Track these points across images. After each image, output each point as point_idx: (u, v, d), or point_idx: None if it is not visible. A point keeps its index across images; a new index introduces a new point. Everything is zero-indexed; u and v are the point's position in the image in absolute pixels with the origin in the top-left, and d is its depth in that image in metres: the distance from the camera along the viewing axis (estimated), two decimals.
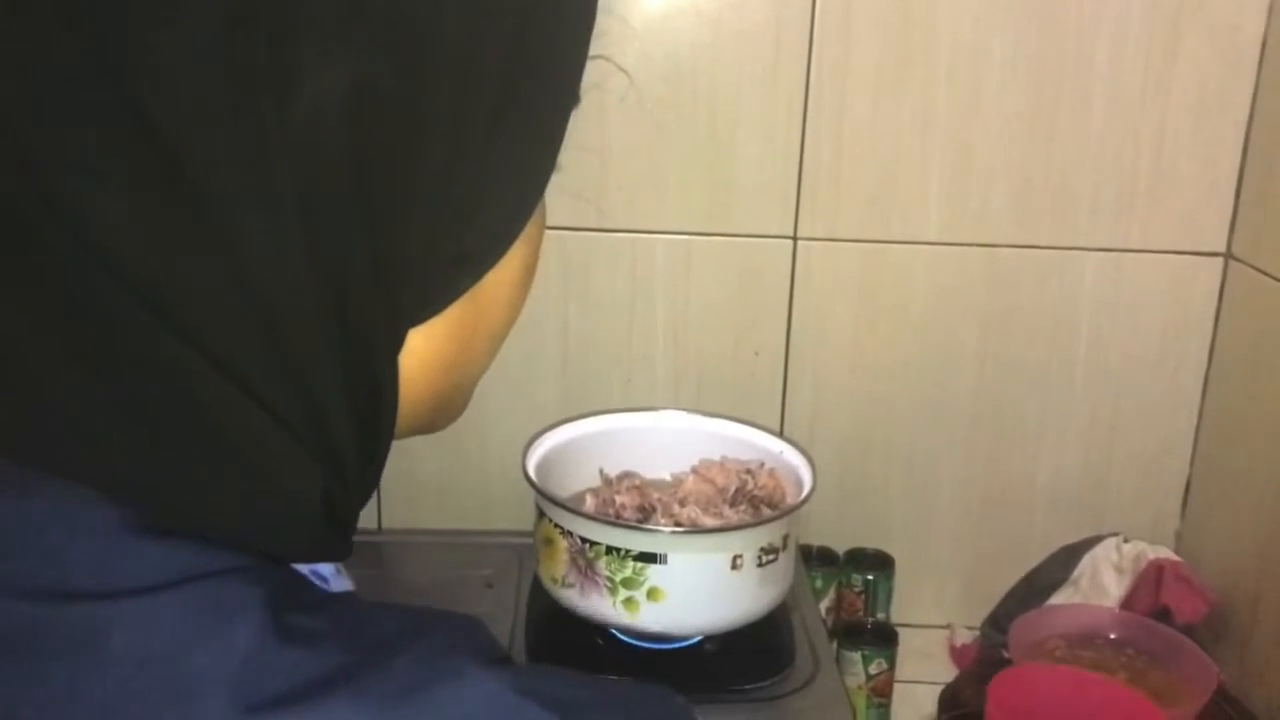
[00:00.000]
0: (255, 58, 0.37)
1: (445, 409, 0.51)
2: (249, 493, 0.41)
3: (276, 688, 0.36)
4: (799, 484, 1.10)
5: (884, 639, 1.24)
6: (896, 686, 1.25)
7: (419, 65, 0.40)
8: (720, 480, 1.13)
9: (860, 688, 1.22)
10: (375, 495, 1.32)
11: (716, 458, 1.17)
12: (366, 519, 1.32)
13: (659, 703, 0.44)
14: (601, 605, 1.01)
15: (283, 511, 0.42)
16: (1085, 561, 1.29)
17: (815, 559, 1.31)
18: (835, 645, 1.20)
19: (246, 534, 0.40)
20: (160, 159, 0.37)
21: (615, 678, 0.45)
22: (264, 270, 0.39)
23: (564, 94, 0.48)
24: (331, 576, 0.45)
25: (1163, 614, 1.21)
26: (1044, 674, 1.03)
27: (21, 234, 0.38)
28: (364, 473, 0.45)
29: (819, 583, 1.29)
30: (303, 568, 0.44)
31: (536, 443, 1.12)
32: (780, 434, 1.20)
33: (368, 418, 0.44)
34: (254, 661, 0.37)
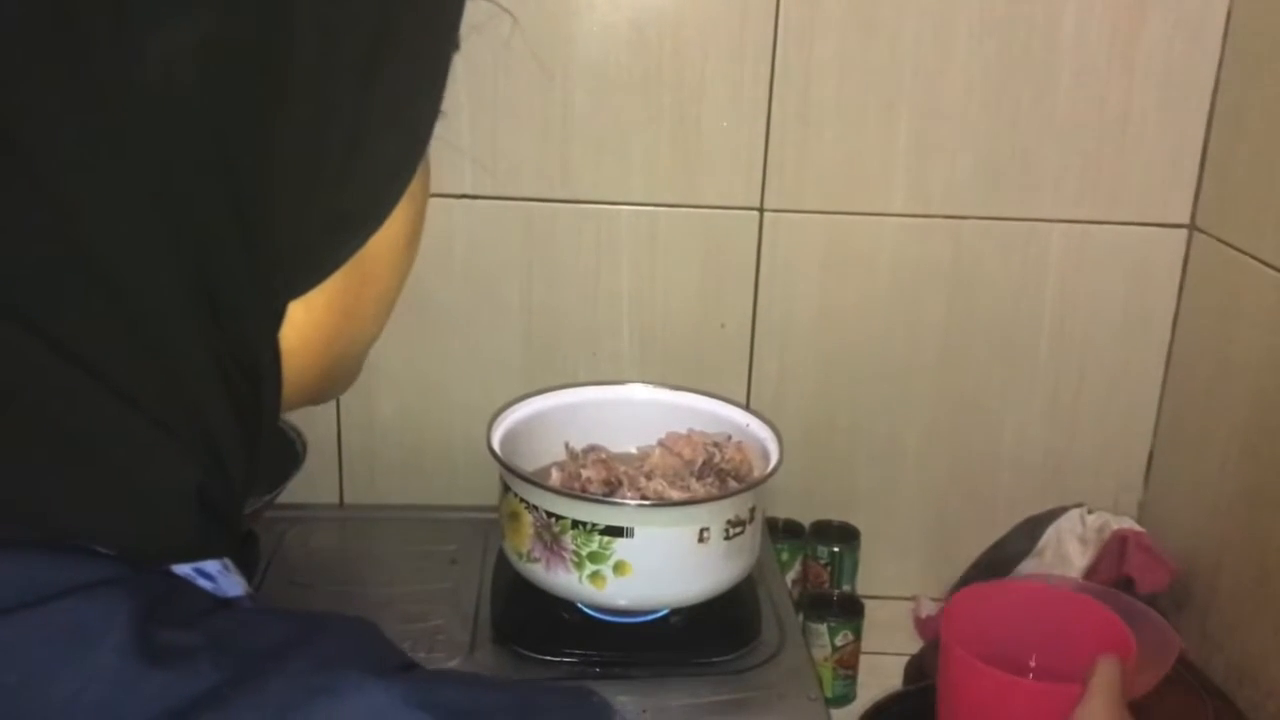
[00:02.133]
0: (94, 18, 0.35)
1: (332, 382, 0.48)
2: (111, 492, 0.38)
3: (141, 716, 0.34)
4: (765, 457, 1.10)
5: (850, 611, 1.24)
6: (863, 658, 1.25)
7: (278, 11, 0.37)
8: (687, 453, 1.12)
9: (826, 660, 1.22)
10: (337, 470, 1.31)
11: (683, 431, 1.17)
12: (328, 494, 1.31)
13: (571, 707, 0.41)
14: (568, 579, 1.00)
15: (152, 510, 0.39)
16: (1050, 532, 1.29)
17: (781, 531, 1.31)
18: (801, 618, 1.20)
19: (113, 537, 0.38)
20: None
21: (529, 681, 0.42)
22: (114, 245, 0.36)
23: (443, 38, 0.44)
24: (219, 574, 0.42)
25: (1126, 584, 1.22)
26: (1001, 589, 1.02)
27: None
28: (247, 459, 0.42)
29: (785, 555, 1.29)
30: (185, 568, 0.41)
31: (501, 417, 1.11)
32: (746, 407, 1.19)
33: (247, 401, 0.41)
34: (118, 688, 0.34)
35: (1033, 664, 0.94)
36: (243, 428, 0.41)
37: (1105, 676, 0.81)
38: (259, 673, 0.35)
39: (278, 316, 0.41)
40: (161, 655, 0.35)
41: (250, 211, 0.38)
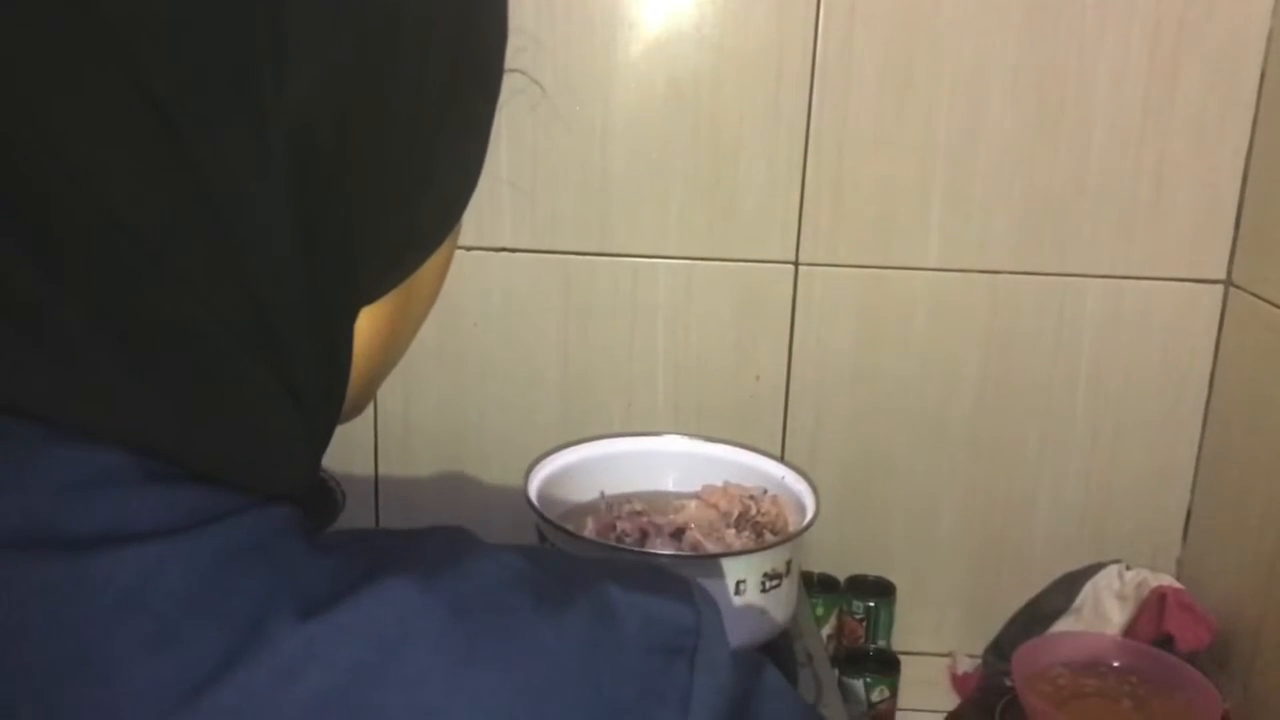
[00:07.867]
0: (253, 31, 0.40)
1: (363, 399, 0.53)
2: (247, 440, 0.43)
3: (329, 590, 0.40)
4: (801, 510, 1.09)
5: (886, 666, 1.23)
6: (898, 715, 1.24)
7: (385, 68, 0.44)
8: (723, 505, 1.12)
9: (863, 716, 1.21)
10: (374, 519, 1.32)
11: (719, 483, 1.17)
12: None
13: (673, 583, 0.47)
14: None
15: (278, 454, 0.45)
16: (1087, 589, 1.28)
17: (816, 585, 1.31)
18: (837, 673, 1.19)
19: (241, 473, 0.43)
20: (162, 126, 0.39)
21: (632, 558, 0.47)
22: (259, 237, 0.41)
23: (490, 92, 0.51)
24: None
25: (1166, 641, 1.20)
26: None
27: (40, 202, 0.39)
28: (326, 426, 0.48)
29: (820, 609, 1.28)
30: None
31: (538, 467, 1.12)
32: (781, 459, 1.20)
33: (331, 381, 0.47)
34: (303, 576, 0.40)
35: None
36: (328, 407, 0.48)
37: None
38: (406, 549, 0.43)
39: (354, 311, 0.48)
40: (326, 549, 0.42)
41: (354, 222, 0.45)
